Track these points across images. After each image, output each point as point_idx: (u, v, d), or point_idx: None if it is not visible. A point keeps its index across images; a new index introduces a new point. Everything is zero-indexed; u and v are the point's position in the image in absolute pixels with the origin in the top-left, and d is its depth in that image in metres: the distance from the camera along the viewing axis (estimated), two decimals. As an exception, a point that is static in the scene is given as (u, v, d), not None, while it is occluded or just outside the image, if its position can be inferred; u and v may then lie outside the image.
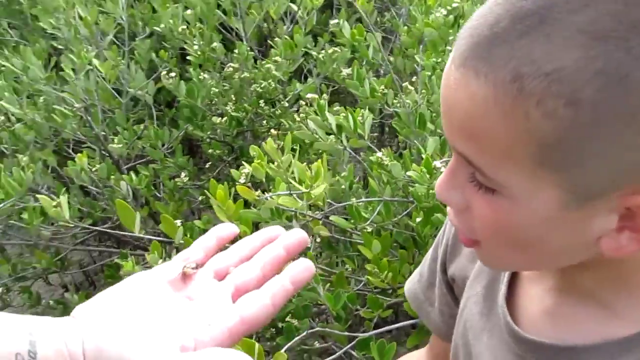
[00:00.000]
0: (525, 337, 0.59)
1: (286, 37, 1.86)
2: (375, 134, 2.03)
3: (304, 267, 0.55)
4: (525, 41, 0.45)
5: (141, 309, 0.52)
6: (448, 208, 0.59)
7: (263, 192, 1.21)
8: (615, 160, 0.46)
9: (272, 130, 1.22)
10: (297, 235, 0.58)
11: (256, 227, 1.44)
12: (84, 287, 2.15)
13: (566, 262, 0.55)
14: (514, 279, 0.64)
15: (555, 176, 0.47)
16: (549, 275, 0.61)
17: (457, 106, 0.49)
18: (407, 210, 1.43)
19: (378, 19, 2.17)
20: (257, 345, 0.98)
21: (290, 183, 1.07)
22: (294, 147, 1.57)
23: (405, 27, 1.80)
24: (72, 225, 1.64)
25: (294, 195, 1.10)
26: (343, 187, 1.48)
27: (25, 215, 1.67)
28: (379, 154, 1.31)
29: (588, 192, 0.47)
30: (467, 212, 0.54)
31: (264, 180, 1.23)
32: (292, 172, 1.08)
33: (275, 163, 1.13)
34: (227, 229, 0.59)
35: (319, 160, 1.10)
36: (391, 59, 1.97)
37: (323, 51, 1.81)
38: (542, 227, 0.51)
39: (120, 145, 1.75)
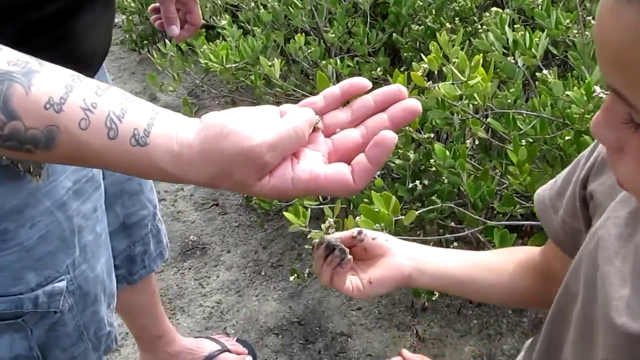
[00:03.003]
0: None
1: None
2: (553, 64, 1.84)
3: (385, 138, 0.47)
4: None
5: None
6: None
7: (434, 84, 1.15)
8: None
9: (447, 24, 1.13)
10: (407, 105, 0.49)
11: (424, 120, 1.39)
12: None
13: None
14: None
15: None
16: None
17: (609, 36, 0.39)
18: (561, 132, 1.30)
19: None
20: (394, 199, 0.96)
21: (454, 73, 1.00)
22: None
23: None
24: (283, 91, 1.69)
25: (455, 85, 1.03)
26: (509, 101, 1.37)
27: (253, 78, 1.74)
28: (545, 71, 1.18)
29: None
30: (620, 154, 0.44)
31: (436, 74, 1.17)
32: (458, 65, 1.01)
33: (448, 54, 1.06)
34: (356, 83, 0.52)
35: (480, 55, 1.01)
36: (587, 4, 1.76)
37: (522, -15, 1.65)
38: None
39: (334, 36, 1.75)
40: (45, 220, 0.83)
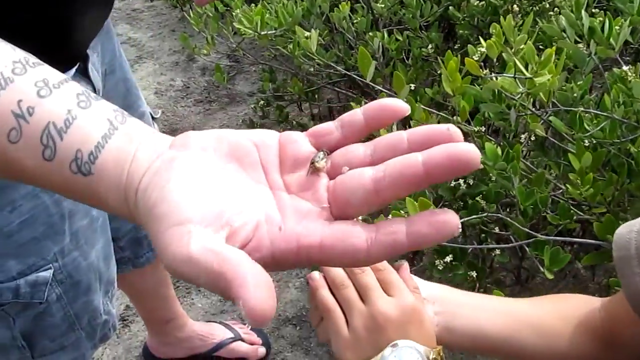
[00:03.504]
0: None
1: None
2: (630, 56, 1.64)
3: (447, 221, 0.32)
4: None
5: (232, 172, 0.36)
6: None
7: (491, 72, 1.00)
8: None
9: (514, 6, 0.97)
10: (458, 151, 0.32)
11: (475, 110, 1.24)
12: (326, 120, 2.08)
13: None
14: None
15: None
16: None
17: None
18: (634, 136, 1.13)
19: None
20: (431, 205, 0.82)
21: (517, 65, 0.85)
22: (541, 46, 1.30)
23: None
24: (323, 64, 1.55)
25: (517, 80, 0.87)
26: (575, 95, 1.20)
27: (291, 46, 1.61)
28: (625, 67, 1.01)
29: None
30: None
31: (495, 60, 1.01)
32: (523, 56, 0.85)
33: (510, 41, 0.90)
34: (387, 106, 0.36)
35: (552, 48, 0.85)
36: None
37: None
38: None
39: (383, 6, 1.59)
40: (28, 204, 0.73)
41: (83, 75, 0.76)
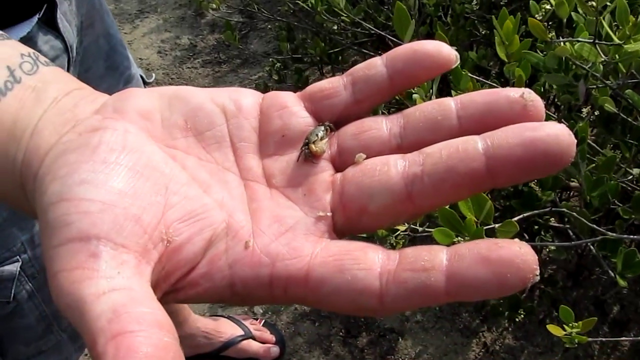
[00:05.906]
0: None
1: None
2: None
3: (515, 259, 0.22)
4: None
5: (183, 154, 0.27)
6: None
7: (558, 36, 0.87)
8: None
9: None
10: (543, 134, 0.22)
11: (533, 78, 1.11)
12: (350, 87, 1.95)
13: None
14: None
15: None
16: None
17: None
18: None
19: None
20: (489, 204, 0.70)
21: (601, 27, 0.71)
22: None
23: None
24: (350, 21, 1.42)
25: (598, 47, 0.74)
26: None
27: (313, 0, 1.47)
28: None
29: None
30: None
31: (564, 22, 0.87)
32: (605, 17, 0.72)
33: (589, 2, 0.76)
34: (423, 52, 0.26)
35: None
36: None
37: None
38: None
39: (421, -46, 1.44)
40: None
41: (49, 26, 0.64)
